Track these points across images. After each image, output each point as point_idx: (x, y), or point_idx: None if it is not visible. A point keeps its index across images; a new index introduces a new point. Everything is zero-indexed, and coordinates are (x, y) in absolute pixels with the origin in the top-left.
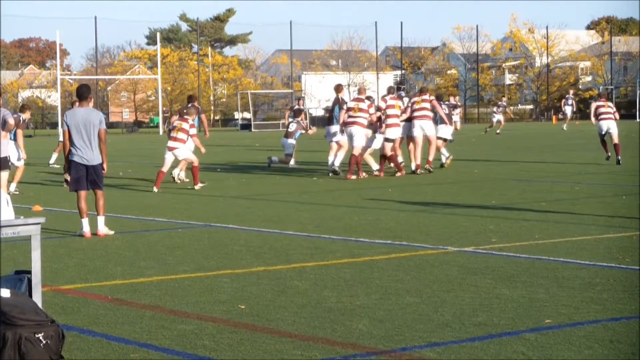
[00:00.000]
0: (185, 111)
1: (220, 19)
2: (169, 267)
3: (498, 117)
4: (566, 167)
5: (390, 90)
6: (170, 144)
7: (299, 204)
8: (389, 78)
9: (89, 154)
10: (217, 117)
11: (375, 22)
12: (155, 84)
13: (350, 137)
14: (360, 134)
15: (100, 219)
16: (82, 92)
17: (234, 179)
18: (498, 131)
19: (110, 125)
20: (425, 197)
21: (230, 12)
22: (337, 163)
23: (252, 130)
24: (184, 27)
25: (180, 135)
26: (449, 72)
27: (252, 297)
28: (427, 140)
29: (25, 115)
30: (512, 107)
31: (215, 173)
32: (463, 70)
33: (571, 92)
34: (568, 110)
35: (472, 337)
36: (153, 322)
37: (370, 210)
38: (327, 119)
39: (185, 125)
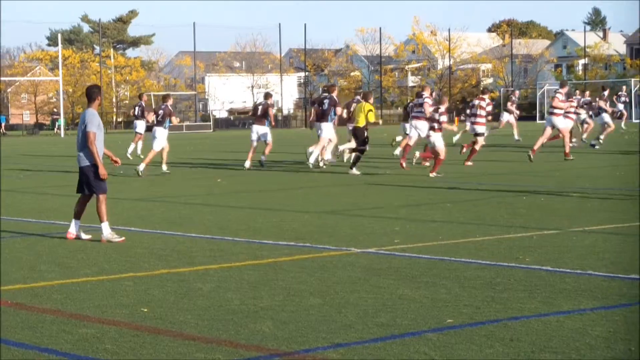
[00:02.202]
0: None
1: (123, 21)
2: (70, 271)
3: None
4: (471, 168)
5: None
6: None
7: (203, 206)
8: (292, 80)
9: (78, 156)
10: (119, 120)
11: (279, 24)
12: (57, 86)
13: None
14: (424, 128)
15: (103, 226)
16: (86, 93)
17: (138, 181)
18: (517, 137)
19: (10, 127)
20: (331, 198)
21: (132, 13)
22: (328, 156)
23: None
24: (86, 28)
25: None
26: (352, 73)
27: (155, 300)
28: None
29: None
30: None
31: (118, 176)
32: (366, 72)
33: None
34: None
35: (375, 337)
36: (54, 327)
37: (274, 212)
38: (320, 115)
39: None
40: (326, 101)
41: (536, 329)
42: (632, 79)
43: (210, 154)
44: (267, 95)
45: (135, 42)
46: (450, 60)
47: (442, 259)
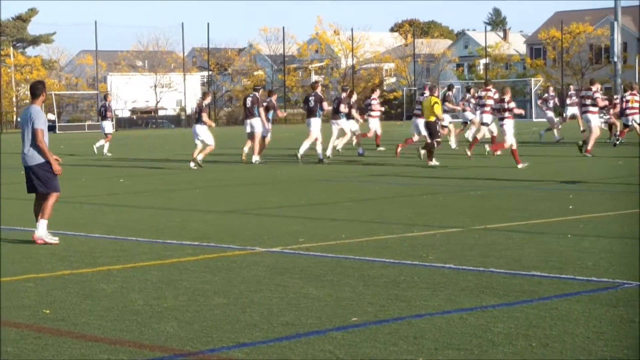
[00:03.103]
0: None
1: (23, 19)
2: None
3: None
4: (374, 168)
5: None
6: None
7: (105, 206)
8: (195, 79)
9: (24, 155)
10: (19, 119)
11: (182, 23)
12: None
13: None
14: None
15: (41, 223)
16: (30, 89)
17: None
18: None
19: None
20: (234, 198)
21: (32, 11)
22: (319, 150)
23: (57, 132)
24: None
25: None
26: (255, 73)
27: (57, 301)
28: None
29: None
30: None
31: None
32: (270, 71)
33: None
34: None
35: (280, 336)
36: None
37: (178, 212)
38: (308, 112)
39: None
40: (311, 98)
41: (439, 326)
42: (532, 79)
43: (112, 154)
44: (256, 89)
45: (36, 41)
46: (353, 59)
47: (347, 258)
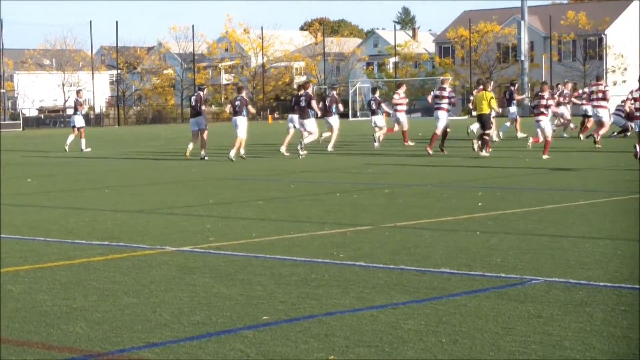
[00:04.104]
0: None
1: None
2: None
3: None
4: (283, 166)
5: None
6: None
7: (12, 206)
8: (104, 77)
9: None
10: None
11: (90, 21)
12: None
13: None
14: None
15: None
16: None
17: None
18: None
19: None
20: (143, 197)
21: None
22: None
23: None
24: None
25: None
26: (165, 71)
27: None
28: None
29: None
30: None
31: None
32: (180, 70)
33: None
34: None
35: (191, 336)
36: None
37: (87, 211)
38: (300, 112)
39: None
40: (302, 98)
41: (350, 324)
42: (441, 77)
43: (20, 153)
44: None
45: None
46: (263, 58)
47: (257, 256)
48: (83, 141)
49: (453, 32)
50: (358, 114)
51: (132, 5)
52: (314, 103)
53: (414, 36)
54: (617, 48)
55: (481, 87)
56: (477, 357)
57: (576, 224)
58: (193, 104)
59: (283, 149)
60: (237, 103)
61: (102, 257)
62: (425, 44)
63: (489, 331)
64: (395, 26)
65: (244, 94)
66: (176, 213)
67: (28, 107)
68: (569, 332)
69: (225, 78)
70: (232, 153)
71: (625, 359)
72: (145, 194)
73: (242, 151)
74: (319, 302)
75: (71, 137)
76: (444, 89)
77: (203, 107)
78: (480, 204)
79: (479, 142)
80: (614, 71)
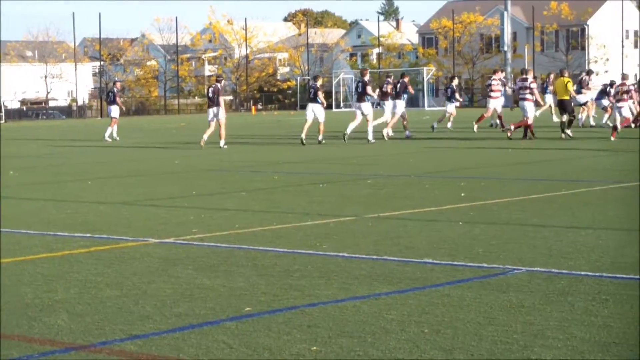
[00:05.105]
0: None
1: None
2: None
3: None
4: (266, 157)
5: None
6: None
7: None
8: (87, 69)
9: None
10: None
11: (73, 13)
12: None
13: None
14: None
15: None
16: None
17: None
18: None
19: None
20: (126, 189)
21: None
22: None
23: None
24: None
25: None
26: (148, 63)
27: None
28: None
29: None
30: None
31: None
32: (163, 61)
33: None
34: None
35: (174, 327)
36: None
37: (69, 203)
38: (359, 96)
39: None
40: (359, 84)
41: (333, 314)
42: (425, 68)
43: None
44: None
45: None
46: (247, 49)
47: (240, 248)
48: (113, 129)
49: (436, 23)
50: (342, 104)
51: None
52: (369, 89)
53: (397, 27)
54: (600, 38)
55: (559, 73)
56: (459, 347)
57: (558, 214)
58: (210, 95)
59: (303, 135)
60: (210, 93)
61: (84, 250)
62: (408, 35)
63: (471, 321)
64: (378, 17)
65: (220, 84)
66: (159, 205)
67: (10, 99)
68: (550, 322)
69: (208, 69)
70: (222, 142)
71: (605, 348)
72: (127, 186)
73: (222, 142)
74: (301, 293)
75: (110, 129)
76: (526, 79)
77: (220, 99)
78: (463, 194)
79: (566, 123)
80: (596, 61)
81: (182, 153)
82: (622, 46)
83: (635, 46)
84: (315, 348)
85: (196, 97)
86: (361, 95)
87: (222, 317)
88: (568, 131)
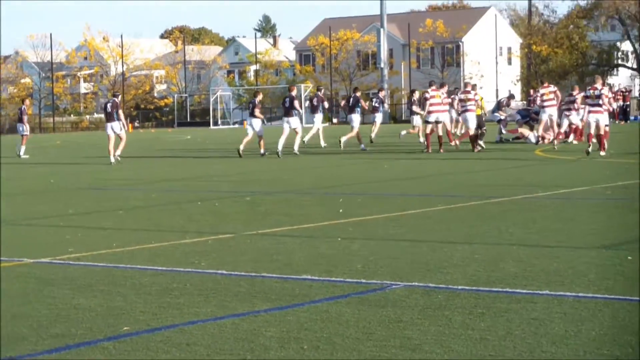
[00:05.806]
0: None
1: None
2: None
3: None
4: (143, 175)
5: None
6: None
7: None
8: None
9: None
10: None
11: None
12: None
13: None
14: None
15: None
16: None
17: None
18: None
19: None
20: None
21: None
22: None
23: None
24: None
25: None
26: (22, 80)
27: None
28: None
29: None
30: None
31: None
32: (37, 79)
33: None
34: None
35: (50, 349)
36: None
37: None
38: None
39: None
40: (287, 99)
41: (212, 332)
42: (302, 85)
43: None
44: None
45: None
46: (123, 66)
47: (117, 267)
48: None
49: (313, 40)
50: (219, 122)
51: None
52: (296, 103)
53: (274, 44)
54: (474, 55)
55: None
56: None
57: (435, 229)
58: (109, 110)
59: (296, 147)
60: (108, 108)
61: None
62: (286, 52)
63: (350, 336)
64: (255, 34)
65: (117, 98)
66: (34, 224)
67: None
68: (428, 336)
69: (84, 87)
70: (118, 152)
71: None
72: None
73: (117, 152)
74: (180, 311)
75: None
76: (469, 92)
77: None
78: (341, 210)
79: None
80: (471, 78)
81: (58, 170)
82: (497, 62)
83: (509, 63)
84: None
85: (72, 115)
86: (288, 110)
87: (100, 337)
88: (481, 142)
